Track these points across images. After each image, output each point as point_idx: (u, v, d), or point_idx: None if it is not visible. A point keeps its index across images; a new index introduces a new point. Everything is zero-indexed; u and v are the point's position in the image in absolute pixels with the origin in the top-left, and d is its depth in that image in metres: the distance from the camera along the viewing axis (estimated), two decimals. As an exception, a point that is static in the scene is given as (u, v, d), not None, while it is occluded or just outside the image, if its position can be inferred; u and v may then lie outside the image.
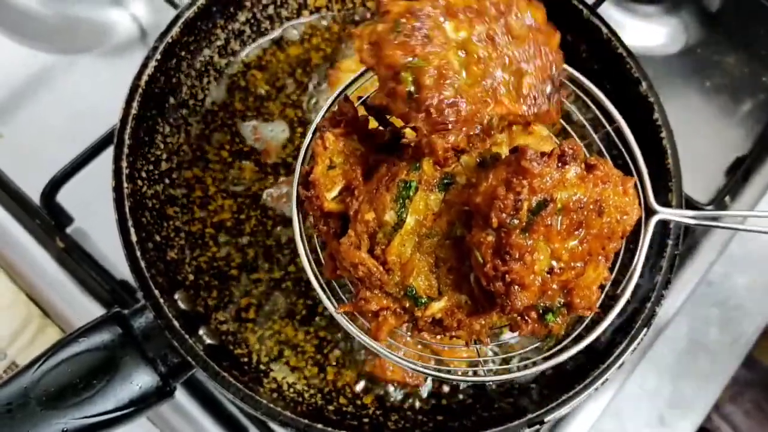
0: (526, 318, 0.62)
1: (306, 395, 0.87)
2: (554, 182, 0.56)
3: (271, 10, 1.02)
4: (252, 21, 1.01)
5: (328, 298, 0.68)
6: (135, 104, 0.85)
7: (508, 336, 0.89)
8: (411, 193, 0.61)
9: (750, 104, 1.20)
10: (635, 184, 0.63)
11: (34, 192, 0.96)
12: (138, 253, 0.79)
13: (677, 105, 1.18)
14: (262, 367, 0.88)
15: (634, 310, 0.82)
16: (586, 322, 0.74)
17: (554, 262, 0.58)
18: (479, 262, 0.58)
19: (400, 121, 0.75)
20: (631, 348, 0.79)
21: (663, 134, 0.86)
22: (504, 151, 0.65)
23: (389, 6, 0.59)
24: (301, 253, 0.69)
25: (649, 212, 0.69)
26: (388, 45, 0.57)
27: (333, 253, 0.66)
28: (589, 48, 0.94)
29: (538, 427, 0.76)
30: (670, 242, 0.82)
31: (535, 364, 0.72)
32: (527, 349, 0.86)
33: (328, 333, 0.90)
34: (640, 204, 0.64)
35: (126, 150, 0.83)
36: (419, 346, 0.84)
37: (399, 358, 0.68)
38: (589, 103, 0.75)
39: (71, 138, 0.95)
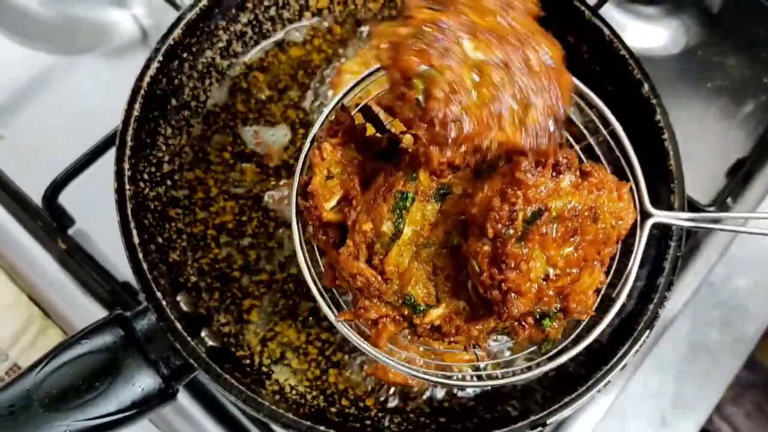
0: (523, 324, 0.63)
1: (308, 397, 0.87)
2: (549, 192, 0.57)
3: (272, 11, 1.02)
4: (254, 22, 1.01)
5: (328, 306, 0.69)
6: (137, 106, 0.85)
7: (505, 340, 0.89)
8: (408, 204, 0.62)
9: (751, 106, 1.20)
10: (630, 189, 0.63)
11: (35, 193, 0.96)
12: (140, 255, 0.79)
13: (678, 106, 1.18)
14: (264, 369, 0.88)
15: (636, 311, 0.82)
16: (582, 325, 0.74)
17: (550, 269, 0.60)
18: (476, 271, 0.59)
19: (397, 127, 0.76)
20: (634, 349, 0.79)
21: (665, 136, 0.86)
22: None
23: (415, 12, 0.59)
24: (301, 262, 0.70)
25: (644, 215, 0.69)
26: (406, 49, 0.58)
27: (332, 262, 0.66)
28: (591, 49, 0.94)
29: (540, 429, 0.76)
30: (672, 244, 0.82)
31: (538, 365, 0.72)
32: (527, 351, 0.86)
33: (330, 335, 0.90)
34: (635, 207, 0.65)
35: (128, 152, 0.83)
36: (421, 348, 0.84)
37: (401, 364, 0.69)
38: (584, 106, 0.75)
39: (73, 139, 0.95)
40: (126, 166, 0.83)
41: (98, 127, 0.93)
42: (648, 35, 1.25)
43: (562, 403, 0.77)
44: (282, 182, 0.97)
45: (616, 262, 0.71)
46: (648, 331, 0.79)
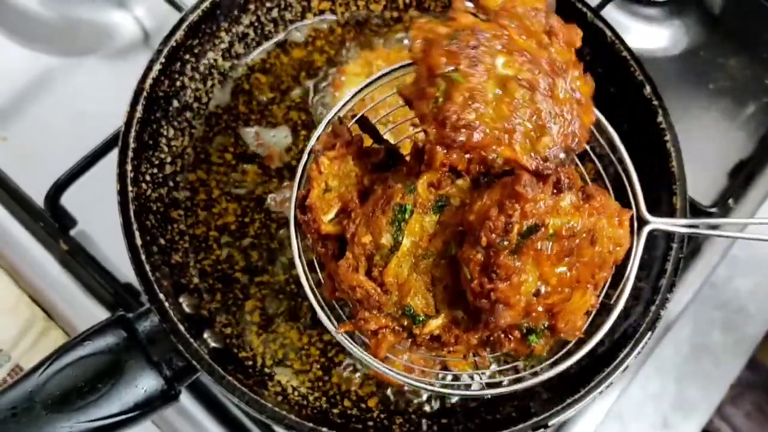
0: (510, 336, 0.63)
1: (310, 398, 0.87)
2: (547, 208, 0.57)
3: (275, 13, 1.02)
4: (256, 24, 1.01)
5: (328, 317, 0.69)
6: (139, 108, 0.85)
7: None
8: (407, 216, 0.62)
9: (753, 107, 1.20)
10: (632, 218, 0.63)
11: (37, 195, 0.96)
12: (143, 257, 0.79)
13: (680, 107, 1.18)
14: (266, 370, 0.88)
15: (638, 313, 0.82)
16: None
17: (541, 286, 0.59)
18: (467, 278, 0.59)
19: (393, 137, 0.76)
20: (636, 351, 0.79)
21: (667, 137, 0.87)
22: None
23: (458, 15, 0.61)
24: (301, 274, 0.70)
25: (641, 222, 0.69)
26: (438, 47, 0.59)
27: (331, 274, 0.67)
28: (593, 51, 0.94)
29: (542, 430, 0.76)
30: (674, 246, 0.82)
31: (536, 374, 0.72)
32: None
33: (332, 336, 0.90)
34: (632, 230, 0.65)
35: (130, 153, 0.83)
36: (423, 350, 0.84)
37: (401, 375, 0.69)
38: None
39: (75, 140, 0.95)
40: (128, 167, 0.83)
41: (100, 129, 0.93)
42: (649, 36, 1.25)
43: (564, 404, 0.77)
44: (284, 184, 0.97)
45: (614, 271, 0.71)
46: (650, 333, 0.79)
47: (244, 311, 0.90)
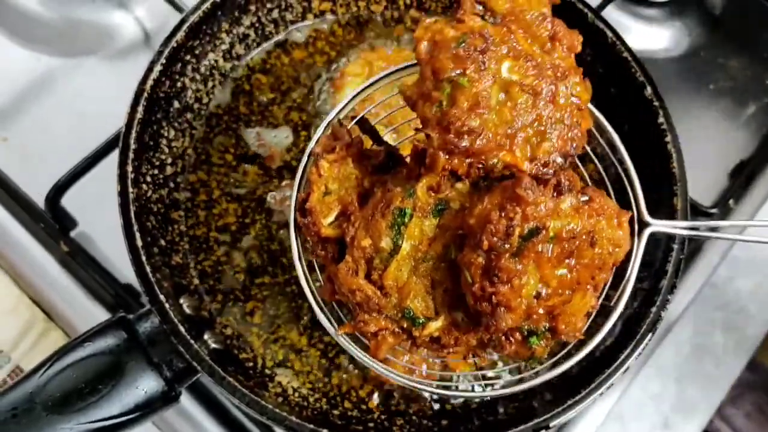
0: (510, 339, 0.63)
1: (311, 399, 0.87)
2: (548, 211, 0.57)
3: (275, 14, 1.02)
4: (257, 25, 1.01)
5: (328, 319, 0.70)
6: (140, 109, 0.85)
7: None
8: (406, 220, 0.62)
9: (754, 107, 1.20)
10: (631, 218, 0.63)
11: (38, 196, 0.96)
12: (143, 258, 0.79)
13: (681, 108, 1.18)
14: (267, 371, 0.88)
15: (639, 314, 0.82)
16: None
17: (542, 288, 0.59)
18: (468, 281, 0.59)
19: (393, 139, 0.76)
20: (636, 352, 0.79)
21: (668, 138, 0.86)
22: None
23: (467, 18, 0.60)
24: (300, 276, 0.70)
25: (642, 224, 0.69)
26: (446, 51, 0.58)
27: (331, 276, 0.67)
28: (594, 51, 0.94)
29: (543, 431, 0.76)
30: (675, 246, 0.82)
31: (537, 374, 0.72)
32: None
33: (332, 337, 0.90)
34: (632, 232, 0.65)
35: (131, 155, 0.83)
36: (424, 353, 0.84)
37: (401, 376, 0.70)
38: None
39: (75, 141, 0.95)
40: (129, 169, 0.83)
41: (101, 130, 0.93)
42: (650, 37, 1.25)
43: (565, 406, 0.77)
44: (284, 183, 0.97)
45: (613, 273, 0.71)
46: (650, 334, 0.79)
47: (245, 312, 0.90)
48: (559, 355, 0.72)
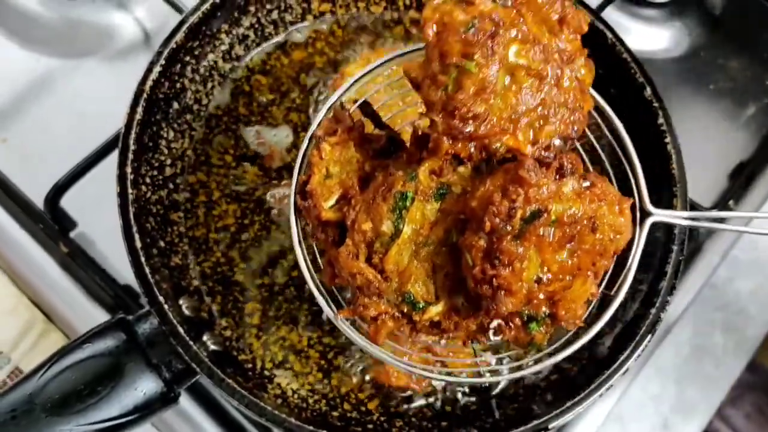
0: (510, 324, 0.62)
1: (310, 401, 0.87)
2: (550, 194, 0.57)
3: (275, 14, 1.02)
4: (256, 26, 1.01)
5: (328, 303, 0.69)
6: (139, 110, 0.85)
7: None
8: (408, 204, 0.62)
9: (754, 108, 1.20)
10: (632, 205, 0.63)
11: (37, 196, 0.96)
12: (142, 259, 0.79)
13: (681, 108, 1.18)
14: (266, 373, 0.88)
15: (638, 316, 0.82)
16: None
17: (543, 273, 0.59)
18: (469, 264, 0.59)
19: (393, 123, 0.75)
20: (636, 354, 0.79)
21: (667, 139, 0.86)
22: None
23: (478, 0, 0.59)
24: (300, 260, 0.70)
25: (644, 214, 0.69)
26: (454, 34, 0.58)
27: (331, 260, 0.66)
28: (593, 52, 0.93)
29: (543, 433, 0.76)
30: (674, 248, 0.82)
31: (538, 361, 0.72)
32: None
33: (332, 338, 0.90)
34: (634, 220, 0.64)
35: (130, 156, 0.83)
36: (423, 354, 0.84)
37: (399, 361, 0.69)
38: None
39: (75, 142, 0.95)
40: (128, 170, 0.83)
41: (100, 130, 0.93)
42: (650, 37, 1.25)
43: (564, 407, 0.77)
44: (284, 182, 0.97)
45: (614, 263, 0.71)
46: (650, 336, 0.79)
47: (244, 313, 0.90)
48: (558, 343, 0.71)
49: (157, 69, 0.87)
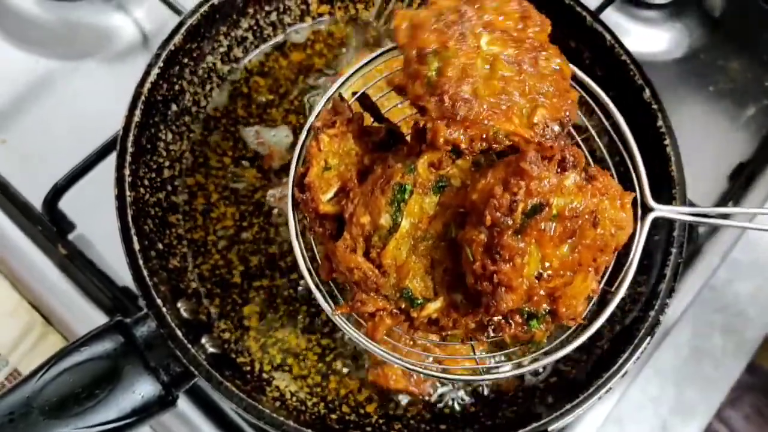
0: (510, 321, 0.62)
1: (309, 404, 0.87)
2: (551, 187, 0.56)
3: (273, 16, 1.02)
4: (255, 27, 1.01)
5: (325, 299, 0.68)
6: (138, 112, 0.85)
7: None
8: (406, 197, 0.61)
9: (754, 109, 1.20)
10: (634, 200, 0.63)
11: (36, 198, 0.96)
12: (140, 262, 0.79)
13: (681, 110, 1.18)
14: (264, 375, 0.88)
15: (637, 318, 0.82)
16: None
17: (543, 269, 0.58)
18: (469, 259, 0.58)
19: (393, 116, 0.75)
20: (635, 356, 0.79)
21: (667, 141, 0.86)
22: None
23: (438, 0, 0.62)
24: (298, 254, 0.69)
25: (645, 209, 0.68)
26: (425, 29, 0.60)
27: (329, 254, 0.66)
28: (593, 54, 0.94)
29: (541, 435, 0.76)
30: (673, 250, 0.82)
31: (536, 360, 0.71)
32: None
33: (330, 341, 0.90)
34: (635, 216, 0.64)
35: (128, 158, 0.83)
36: (422, 355, 0.84)
37: (397, 358, 0.68)
38: (588, 99, 0.74)
39: (73, 144, 0.95)
40: (126, 172, 0.82)
41: (99, 132, 0.93)
42: (650, 39, 1.25)
43: (563, 410, 0.77)
44: (284, 180, 0.96)
45: (614, 260, 0.71)
46: (649, 338, 0.79)
47: (243, 316, 0.90)
48: (556, 342, 0.71)
49: (156, 71, 0.87)
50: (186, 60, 0.93)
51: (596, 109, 0.74)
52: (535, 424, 0.77)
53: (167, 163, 0.93)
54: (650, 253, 0.84)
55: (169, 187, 0.93)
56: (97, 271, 0.97)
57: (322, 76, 1.03)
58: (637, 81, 0.89)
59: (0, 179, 1.00)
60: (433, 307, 0.63)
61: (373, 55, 0.72)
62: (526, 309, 0.61)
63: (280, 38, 1.04)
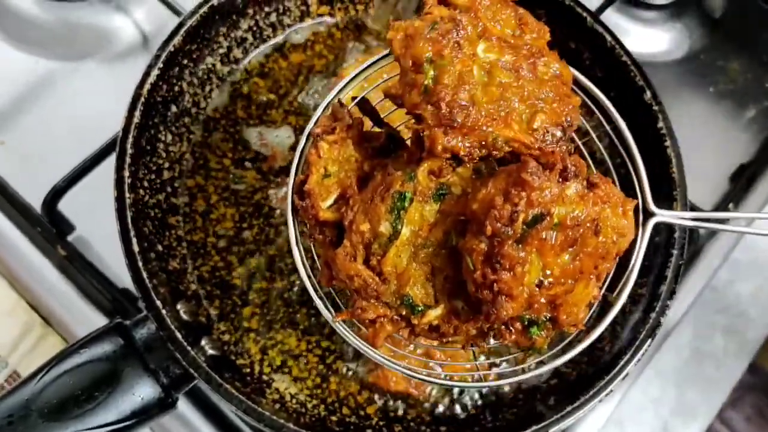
0: (511, 328, 0.62)
1: (309, 406, 0.87)
2: (553, 197, 0.56)
3: (273, 17, 1.01)
4: (254, 28, 1.01)
5: (325, 306, 0.68)
6: (137, 113, 0.84)
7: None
8: (406, 204, 0.61)
9: (754, 110, 1.19)
10: (636, 206, 0.62)
11: (35, 200, 0.96)
12: (140, 264, 0.79)
13: (681, 111, 1.17)
14: (264, 377, 0.88)
15: (638, 320, 0.82)
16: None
17: (544, 277, 0.58)
18: (470, 268, 0.58)
19: (393, 121, 0.75)
20: (636, 358, 0.78)
21: (667, 142, 0.86)
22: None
23: (432, 9, 0.61)
24: (297, 261, 0.69)
25: (647, 214, 0.68)
26: (420, 38, 0.59)
27: (329, 261, 0.66)
28: (593, 56, 0.94)
29: (542, 437, 0.76)
30: (674, 252, 0.82)
31: (538, 365, 0.71)
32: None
33: (330, 343, 0.90)
34: (636, 222, 0.64)
35: (128, 159, 0.82)
36: (423, 358, 0.84)
37: (397, 364, 0.68)
38: (589, 102, 0.74)
39: (73, 145, 0.95)
40: (126, 173, 0.82)
41: (99, 133, 0.93)
42: (650, 40, 1.25)
43: (564, 411, 0.77)
44: (286, 180, 0.96)
45: (616, 265, 0.71)
46: (650, 340, 0.79)
47: (242, 318, 0.90)
48: (559, 347, 0.71)
49: (155, 72, 0.87)
50: (186, 61, 0.93)
51: (597, 112, 0.74)
52: (536, 426, 0.76)
53: (167, 165, 0.93)
54: (651, 256, 0.84)
55: (169, 189, 0.93)
56: (96, 273, 0.97)
57: (322, 77, 1.03)
58: (638, 82, 0.89)
59: (-1, 180, 1.00)
60: (434, 314, 0.63)
61: (373, 59, 0.72)
62: (527, 316, 0.61)
63: (279, 39, 1.04)
